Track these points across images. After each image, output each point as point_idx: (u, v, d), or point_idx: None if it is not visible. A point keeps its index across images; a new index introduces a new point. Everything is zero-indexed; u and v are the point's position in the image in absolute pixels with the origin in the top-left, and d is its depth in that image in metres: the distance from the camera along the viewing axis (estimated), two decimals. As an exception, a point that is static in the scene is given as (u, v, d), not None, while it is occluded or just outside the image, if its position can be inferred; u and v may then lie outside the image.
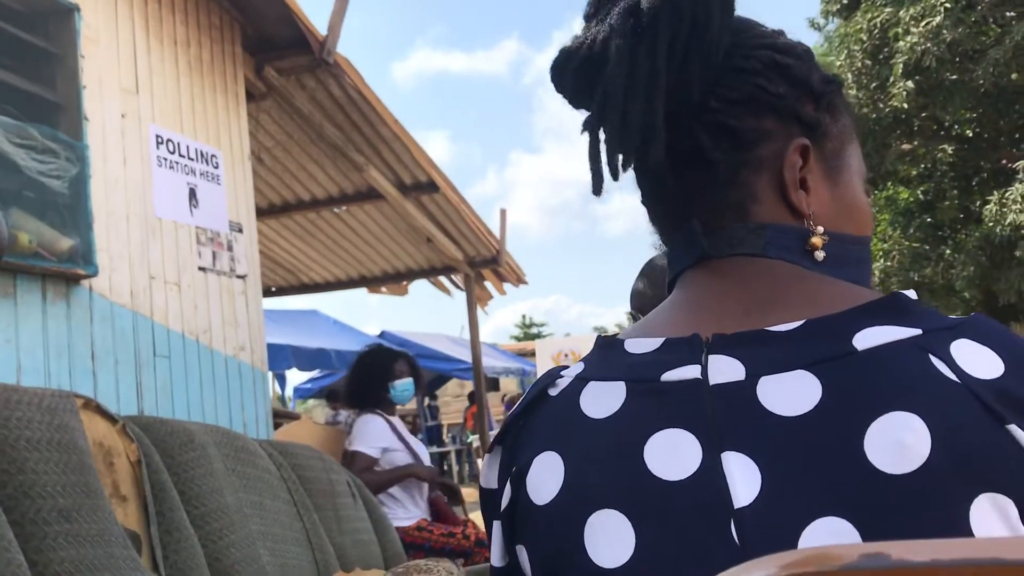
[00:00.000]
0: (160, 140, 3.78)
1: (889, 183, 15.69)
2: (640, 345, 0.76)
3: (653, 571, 0.66)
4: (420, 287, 8.34)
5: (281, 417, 5.50)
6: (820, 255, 0.77)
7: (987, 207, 11.59)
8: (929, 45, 11.61)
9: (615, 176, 0.77)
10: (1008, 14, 11.76)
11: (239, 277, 4.12)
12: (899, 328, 0.67)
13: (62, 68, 3.29)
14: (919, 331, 0.66)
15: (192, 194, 3.92)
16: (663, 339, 0.75)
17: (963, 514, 0.59)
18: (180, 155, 3.88)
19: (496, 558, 0.80)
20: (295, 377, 14.68)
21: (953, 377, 0.63)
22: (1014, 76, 11.74)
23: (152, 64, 3.79)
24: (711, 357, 0.70)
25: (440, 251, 7.01)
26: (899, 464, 0.61)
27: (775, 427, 0.65)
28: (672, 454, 0.68)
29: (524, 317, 47.75)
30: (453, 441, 16.94)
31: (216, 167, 4.09)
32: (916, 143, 14.65)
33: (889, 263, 15.98)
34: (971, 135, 14.72)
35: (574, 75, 0.78)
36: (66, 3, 3.29)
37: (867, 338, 0.67)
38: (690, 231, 0.79)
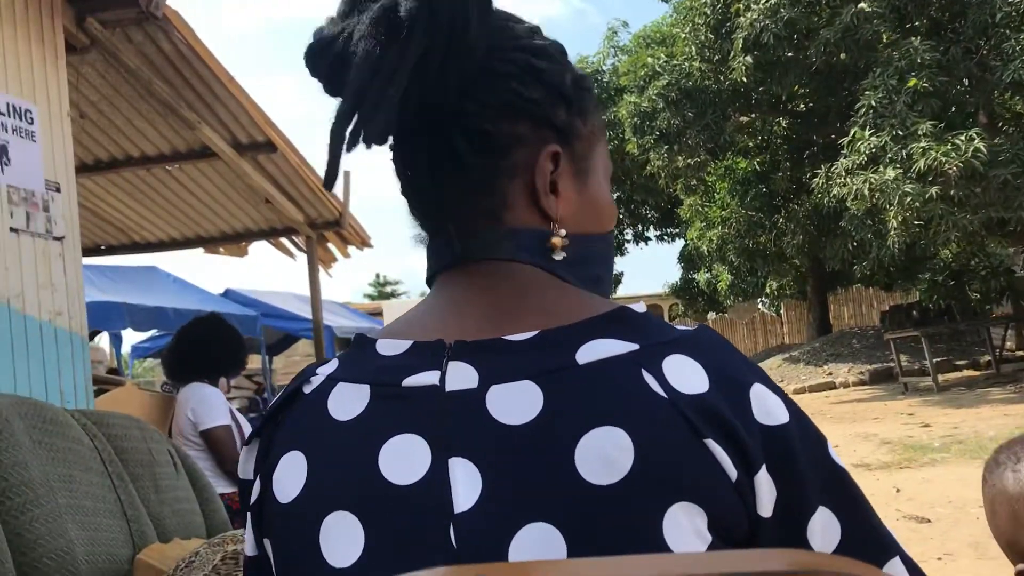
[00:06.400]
0: (-34, 94, 3.55)
1: (728, 153, 16.32)
2: (390, 347, 0.77)
3: (377, 573, 0.67)
4: (264, 246, 8.12)
5: (104, 383, 5.30)
6: (560, 256, 0.79)
7: (815, 180, 12.23)
8: (768, 22, 12.12)
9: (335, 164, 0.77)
10: (839, -4, 12.41)
11: (56, 239, 3.94)
12: (619, 342, 0.70)
13: None
14: (636, 346, 0.70)
15: (3, 151, 3.70)
16: (411, 342, 0.76)
17: (657, 523, 0.63)
18: (-11, 110, 3.66)
19: (249, 548, 0.82)
20: (133, 336, 14.09)
21: (661, 392, 0.67)
22: (843, 56, 12.40)
23: (-44, 11, 3.55)
24: (451, 364, 0.72)
25: (280, 213, 6.86)
26: (603, 476, 0.64)
27: (498, 435, 0.68)
28: (404, 459, 0.69)
29: (378, 276, 47.17)
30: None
31: (31, 123, 3.87)
32: (754, 116, 15.32)
33: (727, 230, 16.70)
34: (804, 110, 15.50)
35: (329, 67, 0.77)
36: None
37: (589, 352, 0.70)
38: (445, 234, 0.81)
